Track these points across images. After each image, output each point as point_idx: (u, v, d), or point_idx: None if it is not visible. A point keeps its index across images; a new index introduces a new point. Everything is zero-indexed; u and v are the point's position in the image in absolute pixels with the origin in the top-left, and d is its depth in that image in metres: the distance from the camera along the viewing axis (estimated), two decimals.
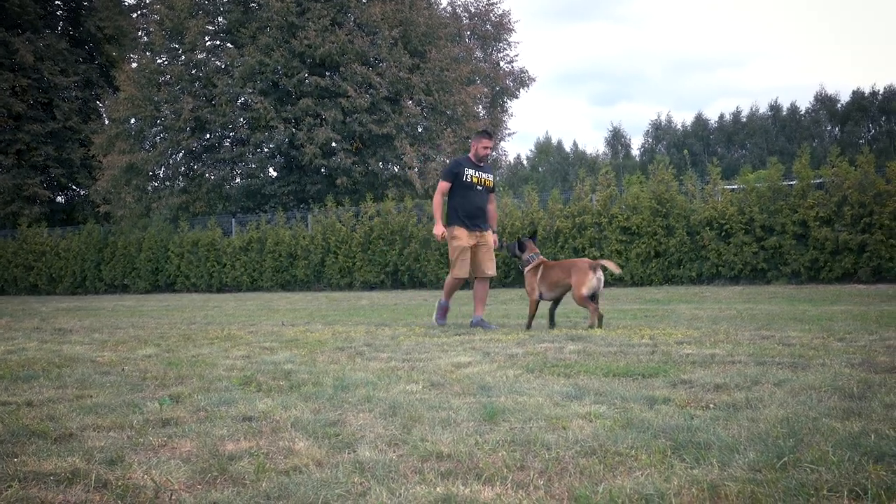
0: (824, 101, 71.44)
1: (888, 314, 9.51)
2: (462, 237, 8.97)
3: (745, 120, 71.52)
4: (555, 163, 79.94)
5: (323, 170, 31.47)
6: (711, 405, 3.84)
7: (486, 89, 37.66)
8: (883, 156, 41.12)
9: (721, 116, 73.02)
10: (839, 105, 71.12)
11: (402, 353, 6.42)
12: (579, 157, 78.47)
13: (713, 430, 3.22)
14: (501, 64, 40.51)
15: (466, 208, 9.00)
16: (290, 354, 6.46)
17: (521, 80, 40.17)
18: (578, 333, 7.61)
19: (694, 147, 68.53)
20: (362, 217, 23.98)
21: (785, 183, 18.04)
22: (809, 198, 17.11)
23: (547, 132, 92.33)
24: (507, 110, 40.55)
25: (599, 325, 7.99)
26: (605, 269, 8.26)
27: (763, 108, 72.79)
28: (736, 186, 19.14)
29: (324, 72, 31.40)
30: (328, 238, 24.18)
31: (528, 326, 8.54)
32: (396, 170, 32.46)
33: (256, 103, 30.22)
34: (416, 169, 30.76)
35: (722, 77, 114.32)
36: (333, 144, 30.98)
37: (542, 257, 8.64)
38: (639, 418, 3.54)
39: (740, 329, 7.76)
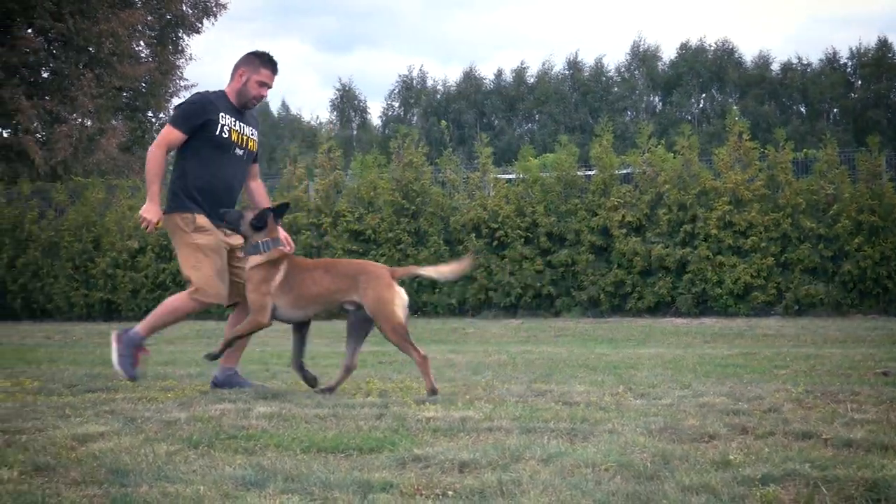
0: (644, 59, 75.60)
1: (710, 359, 10.27)
2: (211, 230, 7.67)
3: (533, 81, 74.52)
4: (258, 132, 79.85)
5: None
6: (450, 492, 3.99)
7: (150, 17, 37.04)
8: (713, 139, 44.19)
9: (499, 74, 75.75)
10: (662, 65, 75.61)
11: None
12: (293, 124, 78.77)
13: None
14: None
15: (213, 185, 7.73)
16: None
17: (206, 7, 39.82)
18: (278, 389, 7.65)
19: (463, 117, 70.60)
20: None
21: (581, 173, 18.99)
22: (613, 195, 18.14)
23: None
24: (182, 50, 40.04)
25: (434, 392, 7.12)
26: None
27: (560, 66, 76.18)
28: (514, 176, 19.90)
29: None
30: None
31: (210, 362, 7.78)
32: (6, 134, 31.26)
33: None
34: (37, 135, 29.77)
35: (501, 19, 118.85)
36: None
37: (284, 248, 7.62)
38: None
39: (508, 382, 8.10)
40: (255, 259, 7.39)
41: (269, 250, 7.40)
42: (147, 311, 19.60)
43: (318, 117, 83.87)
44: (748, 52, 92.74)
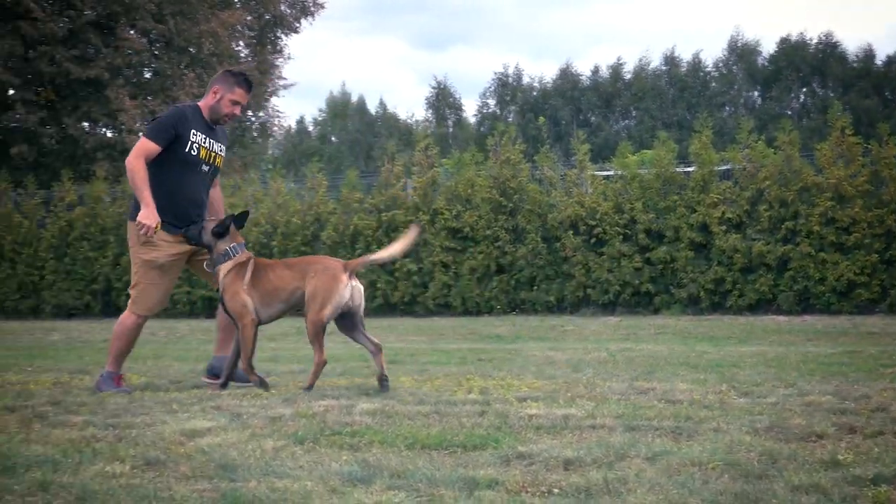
0: (742, 54, 74.74)
1: (814, 357, 10.13)
2: (162, 247, 8.00)
3: (629, 77, 74.13)
4: (355, 131, 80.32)
5: None
6: (556, 490, 3.99)
7: (249, 17, 37.41)
8: (814, 135, 43.54)
9: (596, 70, 75.43)
10: (761, 59, 74.67)
11: (106, 414, 6.33)
12: (389, 122, 79.12)
13: None
14: None
15: (178, 197, 8.04)
16: None
17: (304, 6, 40.13)
18: (376, 385, 7.70)
19: (559, 114, 70.41)
20: (56, 206, 23.29)
21: (679, 170, 18.85)
22: (712, 191, 17.96)
23: (344, 85, 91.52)
24: (281, 50, 40.39)
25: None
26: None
27: (656, 61, 75.63)
28: (612, 172, 19.83)
29: None
30: (1, 238, 23.34)
31: (263, 384, 7.76)
32: (110, 134, 31.76)
33: None
34: (140, 133, 30.14)
35: (597, 15, 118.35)
36: (10, 92, 29.96)
37: (248, 251, 8.03)
38: None
39: (610, 379, 8.08)
40: (226, 266, 7.83)
41: (237, 254, 7.85)
42: None
43: (413, 115, 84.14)
44: (850, 45, 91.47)
